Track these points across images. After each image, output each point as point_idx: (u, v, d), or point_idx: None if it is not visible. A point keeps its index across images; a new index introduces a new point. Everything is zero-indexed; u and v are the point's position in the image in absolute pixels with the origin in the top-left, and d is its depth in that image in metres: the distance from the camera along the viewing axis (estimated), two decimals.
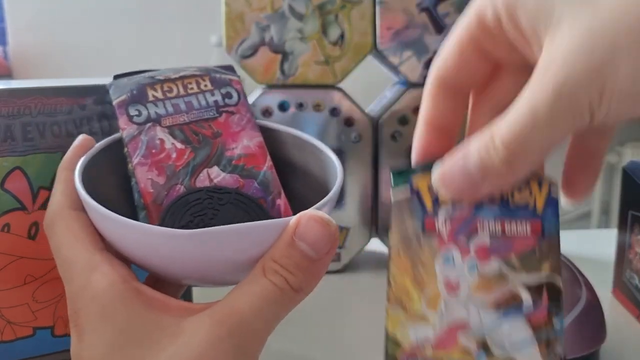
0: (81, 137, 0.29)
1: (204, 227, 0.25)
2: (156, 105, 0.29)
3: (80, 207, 0.26)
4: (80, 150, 0.28)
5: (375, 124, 0.52)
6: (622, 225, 0.47)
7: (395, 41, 0.50)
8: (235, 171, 0.28)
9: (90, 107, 0.32)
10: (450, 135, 0.24)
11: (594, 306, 0.36)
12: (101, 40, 1.53)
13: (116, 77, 0.30)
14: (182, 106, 0.29)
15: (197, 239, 0.23)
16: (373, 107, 0.57)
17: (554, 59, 0.19)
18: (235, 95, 0.30)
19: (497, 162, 0.20)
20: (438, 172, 0.22)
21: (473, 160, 0.21)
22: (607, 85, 0.18)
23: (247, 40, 0.49)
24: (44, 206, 0.32)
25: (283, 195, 0.29)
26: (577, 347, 0.34)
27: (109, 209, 0.24)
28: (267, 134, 0.31)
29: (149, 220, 0.27)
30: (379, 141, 0.52)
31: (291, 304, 0.23)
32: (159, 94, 0.29)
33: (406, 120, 0.51)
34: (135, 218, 0.28)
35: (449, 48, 0.23)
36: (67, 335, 0.33)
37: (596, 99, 0.18)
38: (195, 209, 0.27)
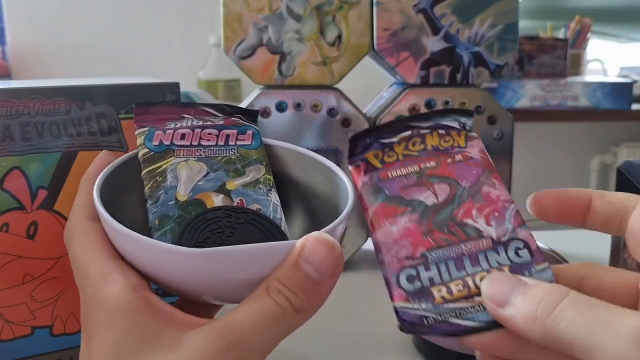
0: (103, 153, 0.30)
1: (221, 245, 0.25)
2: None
3: (99, 219, 0.26)
4: (102, 165, 0.29)
5: (372, 124, 0.52)
6: None
7: (393, 42, 0.50)
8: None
9: (88, 107, 0.32)
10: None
11: None
12: (100, 40, 1.53)
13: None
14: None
15: (204, 258, 0.23)
16: (370, 108, 0.58)
17: None
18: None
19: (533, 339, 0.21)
20: (491, 288, 0.23)
21: (524, 313, 0.21)
22: None
23: (246, 41, 0.49)
24: (42, 206, 0.32)
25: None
26: None
27: (126, 222, 0.25)
28: (276, 152, 0.31)
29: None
30: None
31: (293, 325, 0.23)
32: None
33: None
34: (149, 233, 0.29)
35: None
36: (66, 334, 0.33)
37: None
38: (213, 227, 0.27)
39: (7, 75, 1.49)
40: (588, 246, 0.59)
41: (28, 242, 0.32)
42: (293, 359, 0.38)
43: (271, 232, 0.27)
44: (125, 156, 0.29)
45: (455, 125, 0.27)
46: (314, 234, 0.24)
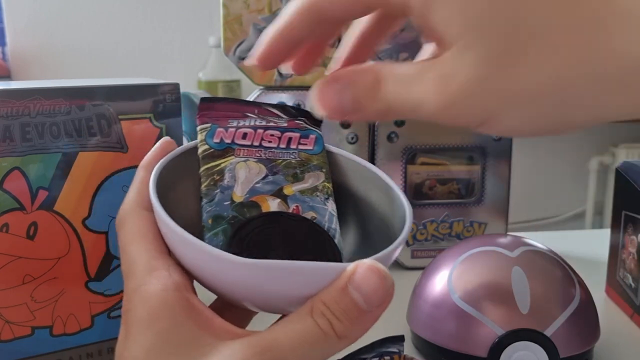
0: (163, 140, 0.29)
1: (270, 252, 0.25)
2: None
3: (151, 208, 0.26)
4: (161, 153, 0.28)
5: (371, 125, 0.52)
6: (616, 226, 0.47)
7: (392, 43, 0.50)
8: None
9: (88, 107, 0.32)
10: (296, 49, 0.27)
11: (587, 305, 0.37)
12: (99, 41, 1.53)
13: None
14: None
15: (251, 268, 0.23)
16: None
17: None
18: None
19: (373, 105, 0.23)
20: (316, 91, 0.25)
21: (352, 93, 0.24)
22: None
23: (245, 42, 0.49)
24: (42, 206, 0.32)
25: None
26: (571, 346, 0.35)
27: (178, 215, 0.24)
28: (336, 160, 0.30)
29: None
30: (375, 142, 0.52)
31: (332, 350, 0.23)
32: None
33: (402, 121, 0.52)
34: (200, 227, 0.28)
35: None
36: (66, 334, 0.33)
37: None
38: (265, 233, 0.26)
39: (7, 75, 1.49)
40: (587, 246, 0.59)
41: (28, 243, 0.32)
42: None
43: (324, 244, 0.27)
44: (184, 146, 0.28)
45: None
46: (367, 260, 0.23)
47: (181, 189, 0.28)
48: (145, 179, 0.26)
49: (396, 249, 0.25)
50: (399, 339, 0.31)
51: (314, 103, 0.25)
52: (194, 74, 1.50)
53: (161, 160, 0.27)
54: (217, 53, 1.46)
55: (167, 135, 0.35)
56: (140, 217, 0.26)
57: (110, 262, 0.34)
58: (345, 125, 0.51)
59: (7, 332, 0.32)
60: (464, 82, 0.20)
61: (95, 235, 0.33)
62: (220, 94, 1.47)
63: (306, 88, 0.50)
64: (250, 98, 0.51)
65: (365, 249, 0.26)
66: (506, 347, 0.34)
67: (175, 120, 0.35)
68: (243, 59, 0.49)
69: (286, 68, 0.29)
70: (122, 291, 0.34)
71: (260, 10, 0.49)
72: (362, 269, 0.22)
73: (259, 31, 0.49)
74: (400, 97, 0.22)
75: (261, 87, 0.51)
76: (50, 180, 0.32)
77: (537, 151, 1.82)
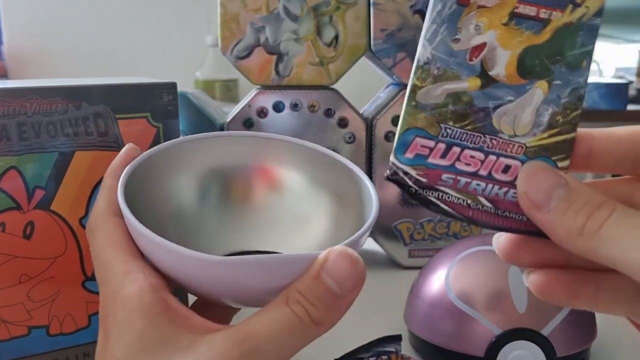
0: (128, 146, 0.29)
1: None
2: None
3: (120, 214, 0.26)
4: (127, 159, 0.28)
5: (369, 124, 0.52)
6: None
7: (389, 43, 0.50)
8: None
9: (85, 107, 0.32)
10: None
11: None
12: (97, 41, 1.52)
13: None
14: None
15: (226, 266, 0.23)
16: (367, 108, 0.58)
17: None
18: None
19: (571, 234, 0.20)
20: (529, 169, 0.22)
21: (568, 200, 0.20)
22: None
23: (243, 41, 0.49)
24: (39, 206, 0.32)
25: None
26: (568, 345, 0.35)
27: (150, 219, 0.25)
28: (301, 151, 0.31)
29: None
30: (372, 141, 0.52)
31: (309, 337, 0.23)
32: None
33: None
34: (174, 229, 0.29)
35: None
36: (62, 334, 0.33)
37: None
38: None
39: (3, 74, 1.49)
40: None
41: (24, 242, 0.32)
42: None
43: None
44: (150, 151, 0.29)
45: None
46: (338, 247, 0.23)
47: (149, 193, 0.28)
48: (113, 186, 0.27)
49: (364, 235, 0.25)
50: (396, 339, 0.31)
51: (521, 175, 0.22)
52: (191, 73, 1.50)
53: (127, 167, 0.27)
54: (215, 52, 1.46)
55: (165, 134, 0.35)
56: (110, 223, 0.26)
57: None
58: (342, 124, 0.51)
59: (3, 332, 0.32)
60: None
61: None
62: (217, 93, 1.47)
63: (303, 88, 0.50)
64: (248, 98, 0.50)
65: (338, 238, 0.26)
66: (503, 346, 0.34)
67: (172, 120, 0.35)
68: (240, 58, 0.49)
69: None
70: None
71: (257, 9, 0.49)
72: (334, 255, 0.23)
73: (256, 30, 0.49)
74: (615, 248, 0.19)
75: (258, 87, 0.51)
76: (46, 179, 0.32)
77: None
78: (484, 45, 0.22)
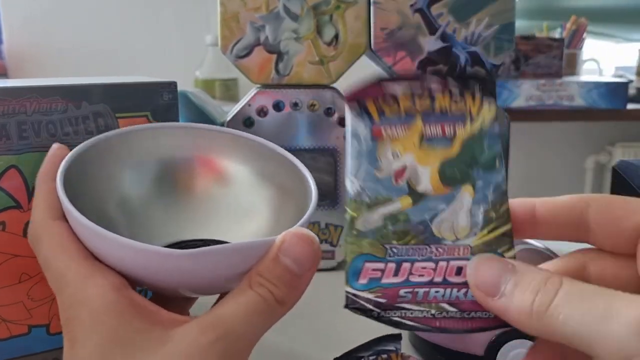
0: (54, 147, 0.29)
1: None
2: None
3: (62, 216, 0.26)
4: (57, 160, 0.28)
5: None
6: None
7: (389, 42, 0.50)
8: None
9: (85, 106, 0.32)
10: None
11: None
12: (96, 40, 1.52)
13: None
14: None
15: (186, 259, 0.23)
16: None
17: None
18: None
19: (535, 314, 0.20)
20: (476, 262, 0.22)
21: (515, 282, 0.21)
22: None
23: (242, 40, 0.49)
24: None
25: None
26: None
27: (93, 216, 0.24)
28: (242, 144, 0.32)
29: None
30: None
31: (275, 315, 0.24)
32: None
33: None
34: (119, 224, 0.29)
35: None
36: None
37: None
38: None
39: (3, 73, 1.49)
40: (584, 245, 0.59)
41: (24, 241, 0.31)
42: (289, 354, 0.39)
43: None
44: (81, 146, 0.29)
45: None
46: (292, 228, 0.25)
47: (90, 188, 0.28)
48: (50, 189, 0.26)
49: (310, 217, 0.27)
50: (396, 337, 0.31)
51: (469, 270, 0.22)
52: (191, 72, 1.50)
53: (62, 164, 0.27)
54: (214, 51, 1.46)
55: None
56: (55, 229, 0.25)
57: None
58: (342, 123, 0.51)
59: (3, 331, 0.32)
60: None
61: None
62: (217, 93, 1.47)
63: (303, 87, 0.50)
64: (248, 97, 0.50)
65: (279, 230, 0.26)
66: (503, 345, 0.34)
67: (172, 119, 0.35)
68: (240, 57, 0.49)
69: None
70: None
71: (257, 8, 0.49)
72: (289, 236, 0.24)
73: (256, 29, 0.49)
74: (566, 324, 0.19)
75: (258, 86, 0.51)
76: None
77: (533, 150, 1.82)
78: (404, 168, 0.24)
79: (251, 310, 0.23)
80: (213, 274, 0.24)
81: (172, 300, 0.29)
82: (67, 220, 0.26)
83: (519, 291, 0.20)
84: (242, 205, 0.32)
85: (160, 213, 0.31)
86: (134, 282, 0.26)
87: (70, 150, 0.28)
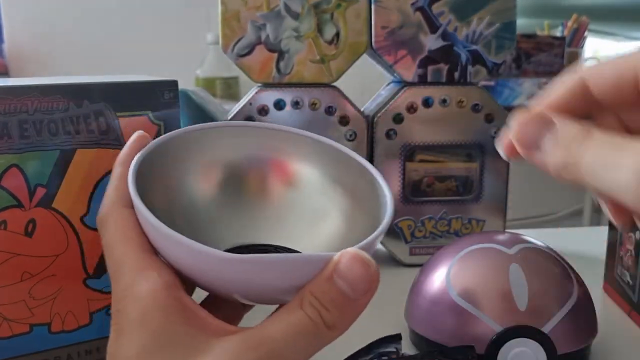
0: (137, 134, 0.28)
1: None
2: None
3: (131, 204, 0.26)
4: (137, 147, 0.27)
5: (370, 122, 0.52)
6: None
7: (390, 40, 0.50)
8: None
9: (86, 105, 0.32)
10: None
11: (585, 302, 0.37)
12: (97, 38, 1.52)
13: None
14: None
15: (241, 264, 0.23)
16: (368, 106, 0.58)
17: None
18: None
19: (568, 158, 0.21)
20: (518, 123, 0.23)
21: (553, 137, 0.22)
22: None
23: (243, 39, 0.49)
24: (40, 204, 0.32)
25: None
26: (569, 343, 0.35)
27: (161, 210, 0.24)
28: (318, 148, 0.31)
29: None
30: (374, 139, 0.52)
31: (324, 340, 0.23)
32: None
33: (401, 118, 0.52)
34: (185, 220, 0.28)
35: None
36: (64, 331, 0.33)
37: None
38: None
39: (4, 72, 1.49)
40: (585, 243, 0.59)
41: (26, 240, 0.32)
42: None
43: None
44: (160, 139, 0.28)
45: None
46: (351, 249, 0.23)
47: (161, 182, 0.28)
48: (123, 175, 0.26)
49: (378, 237, 0.25)
50: (396, 338, 0.31)
51: (512, 125, 0.23)
52: (192, 71, 1.50)
53: (137, 155, 0.26)
54: (215, 50, 1.46)
55: (166, 132, 0.35)
56: (121, 216, 0.26)
57: None
58: (343, 122, 0.51)
59: (5, 330, 0.32)
60: None
61: (94, 233, 0.33)
62: (218, 91, 1.47)
63: (304, 85, 0.50)
64: (249, 95, 0.50)
65: (350, 237, 0.26)
66: (504, 344, 0.34)
67: (173, 117, 0.35)
68: (241, 55, 0.49)
69: None
70: None
71: (258, 7, 0.49)
72: (346, 258, 0.23)
73: (257, 28, 0.49)
74: (597, 168, 0.21)
75: (259, 85, 0.51)
76: (48, 177, 0.32)
77: None
78: None
79: (298, 332, 0.22)
80: (263, 283, 0.24)
81: (228, 303, 0.28)
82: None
83: (554, 147, 0.22)
84: (313, 210, 0.31)
85: (226, 213, 0.30)
86: (190, 281, 0.25)
87: (153, 139, 0.28)
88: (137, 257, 0.24)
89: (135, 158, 0.26)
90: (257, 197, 0.31)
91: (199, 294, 0.28)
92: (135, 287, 0.24)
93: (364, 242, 0.24)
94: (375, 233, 0.25)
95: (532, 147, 0.23)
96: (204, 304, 0.28)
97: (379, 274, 0.23)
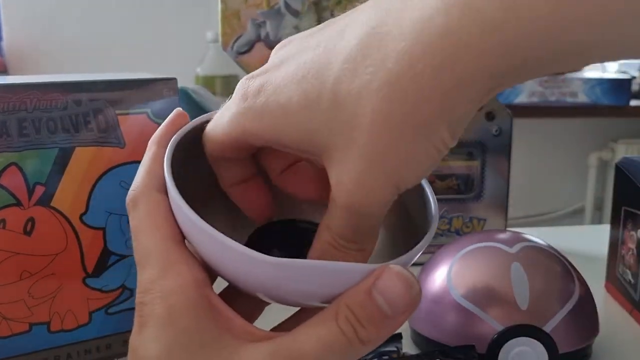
0: (175, 112, 0.27)
1: (287, 250, 0.24)
2: None
3: (164, 189, 0.24)
4: (173, 128, 0.26)
5: None
6: (615, 221, 0.47)
7: None
8: None
9: (85, 103, 0.32)
10: None
11: (586, 301, 0.37)
12: (96, 36, 1.52)
13: None
14: None
15: (275, 266, 0.22)
16: None
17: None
18: None
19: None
20: None
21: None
22: None
23: (243, 37, 0.49)
24: (39, 202, 0.32)
25: None
26: (570, 342, 0.35)
27: (195, 197, 0.23)
28: None
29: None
30: None
31: (355, 355, 0.22)
32: None
33: None
34: (219, 212, 0.27)
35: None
36: (63, 330, 0.33)
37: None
38: (285, 236, 0.27)
39: (3, 70, 1.49)
40: (586, 242, 0.59)
41: (25, 238, 0.31)
42: None
43: None
44: (198, 119, 0.26)
45: None
46: (394, 266, 0.22)
47: (196, 167, 0.26)
48: (158, 156, 0.25)
49: (421, 250, 0.24)
50: (397, 337, 0.31)
51: None
52: (191, 69, 1.50)
53: (174, 137, 0.25)
54: (215, 48, 1.46)
55: None
56: (153, 201, 0.24)
57: (107, 258, 0.34)
58: None
59: (4, 329, 0.32)
60: None
61: (93, 231, 0.33)
62: (218, 89, 1.47)
63: None
64: None
65: (389, 245, 0.25)
66: (505, 343, 0.34)
67: None
68: (241, 53, 0.49)
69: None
70: (119, 287, 0.34)
71: (258, 4, 0.48)
72: (388, 274, 0.22)
73: (257, 26, 0.49)
74: None
75: None
76: (47, 175, 0.32)
77: (536, 147, 1.82)
78: None
79: (331, 347, 0.21)
80: (297, 287, 0.23)
81: (250, 297, 0.27)
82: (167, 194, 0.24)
83: None
84: None
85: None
86: (218, 275, 0.25)
87: (190, 119, 0.26)
88: (167, 248, 0.23)
89: (171, 141, 0.25)
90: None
91: (219, 284, 0.27)
92: (164, 282, 0.22)
93: (406, 255, 0.23)
94: (420, 245, 0.24)
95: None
96: (223, 294, 0.27)
97: (420, 294, 0.22)
